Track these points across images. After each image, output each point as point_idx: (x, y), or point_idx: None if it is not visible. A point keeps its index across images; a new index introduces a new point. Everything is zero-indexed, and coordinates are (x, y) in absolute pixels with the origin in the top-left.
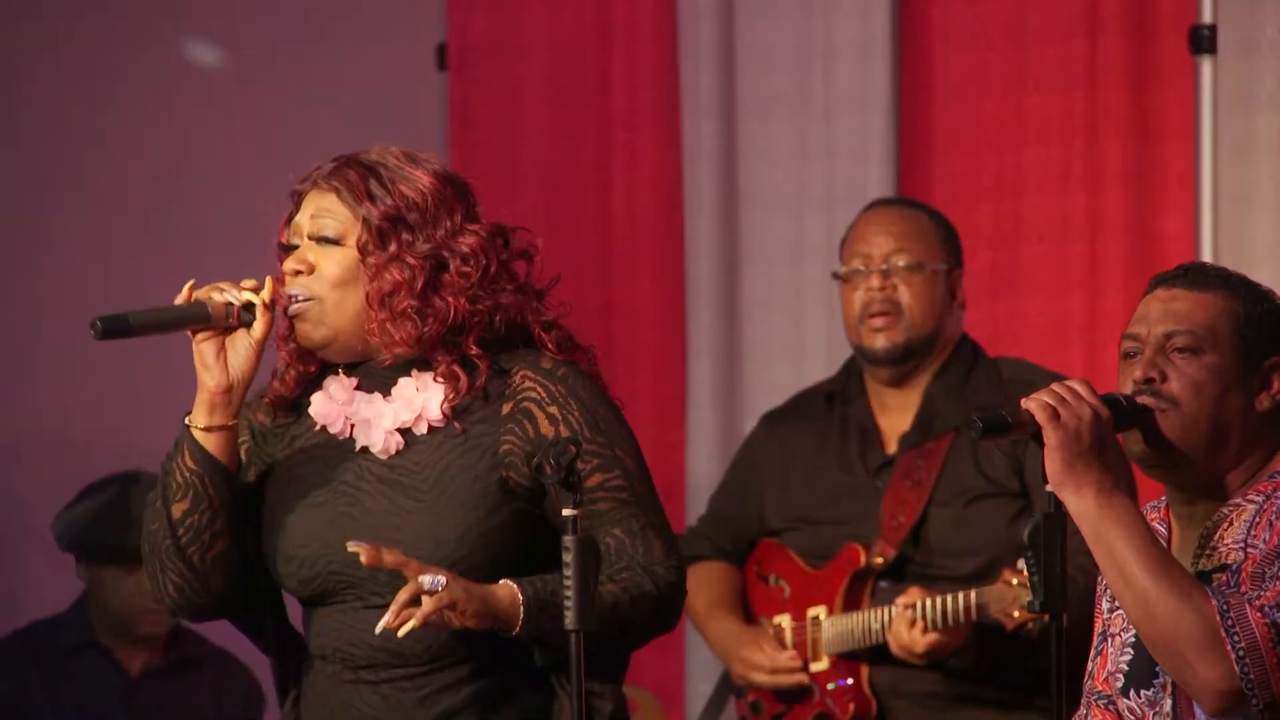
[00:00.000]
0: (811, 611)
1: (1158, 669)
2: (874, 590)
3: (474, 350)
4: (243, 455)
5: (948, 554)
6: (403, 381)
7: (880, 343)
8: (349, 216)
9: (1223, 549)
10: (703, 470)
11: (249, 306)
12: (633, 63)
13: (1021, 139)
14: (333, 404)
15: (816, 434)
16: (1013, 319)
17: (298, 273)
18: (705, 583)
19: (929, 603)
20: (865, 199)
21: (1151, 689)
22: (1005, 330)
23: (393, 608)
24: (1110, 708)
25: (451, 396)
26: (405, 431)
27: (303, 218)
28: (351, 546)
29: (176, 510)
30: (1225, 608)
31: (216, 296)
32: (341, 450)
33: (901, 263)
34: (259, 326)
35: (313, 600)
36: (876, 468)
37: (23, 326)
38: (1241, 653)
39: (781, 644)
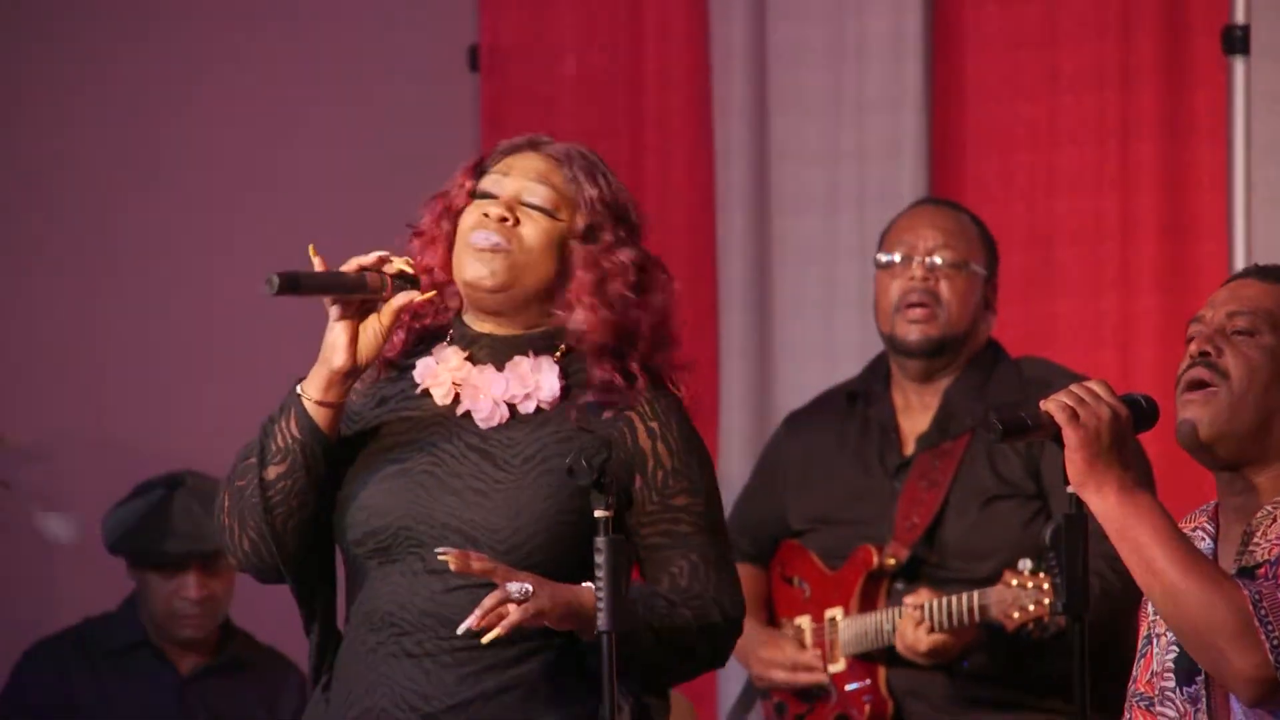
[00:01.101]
0: (829, 612)
1: (1198, 666)
2: (889, 591)
3: (635, 366)
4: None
5: (963, 556)
6: (517, 358)
7: (915, 334)
8: (569, 192)
9: (1265, 545)
10: (735, 471)
11: (403, 275)
12: (664, 63)
13: (1054, 139)
14: (440, 369)
15: (837, 434)
16: (1045, 320)
17: (502, 220)
18: None
19: (935, 603)
20: (897, 199)
21: (1193, 686)
22: (1038, 331)
23: (478, 611)
24: (1150, 709)
25: (605, 395)
26: (511, 407)
27: (512, 177)
28: (440, 555)
29: (271, 472)
30: (1258, 597)
31: (371, 265)
32: (440, 414)
33: (945, 258)
34: (388, 313)
35: (372, 557)
36: (894, 468)
37: (57, 325)
38: (1276, 641)
39: (801, 645)
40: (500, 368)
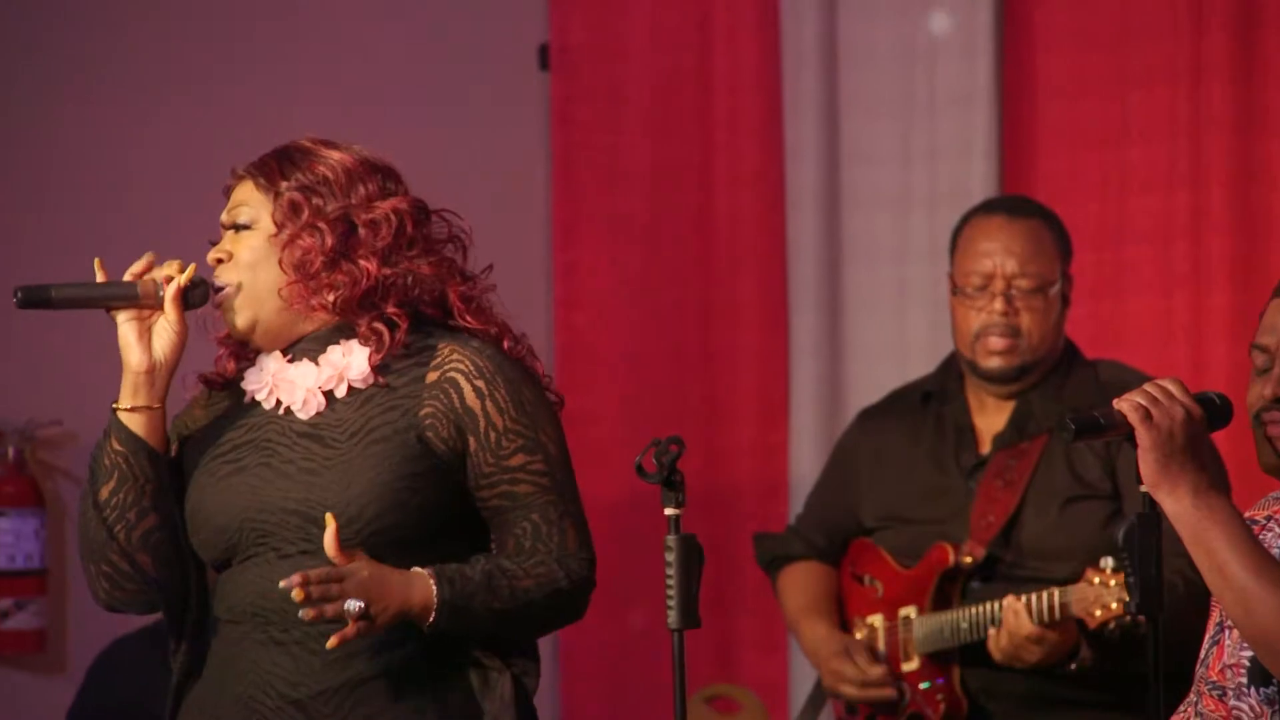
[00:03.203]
0: (903, 611)
1: None
2: (965, 590)
3: (392, 309)
4: (174, 442)
5: (1040, 555)
6: (330, 348)
7: (996, 363)
8: (262, 200)
9: None
10: (805, 471)
11: (197, 283)
12: (734, 62)
13: (1125, 137)
14: (263, 375)
15: (911, 432)
16: (1116, 319)
17: (219, 262)
18: (799, 584)
19: (1034, 596)
20: (968, 198)
21: (1271, 687)
22: (1108, 330)
23: (297, 576)
24: (1223, 699)
25: (377, 352)
26: (328, 394)
27: (225, 212)
28: (283, 584)
29: (104, 492)
30: None
31: (140, 271)
32: (265, 415)
33: (1024, 286)
34: (170, 309)
35: (228, 557)
36: (970, 467)
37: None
38: None
39: (874, 645)
40: (315, 361)
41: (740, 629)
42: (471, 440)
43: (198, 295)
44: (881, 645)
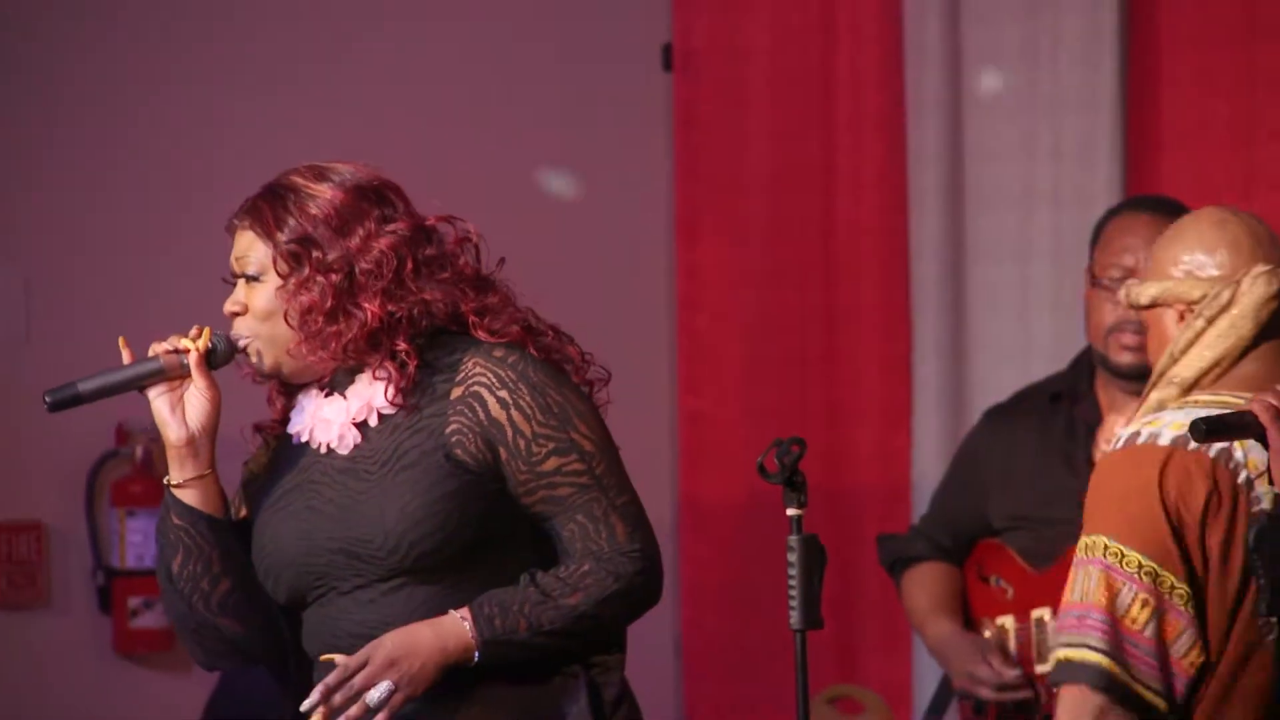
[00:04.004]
0: (1036, 613)
1: None
2: None
3: (402, 347)
4: (241, 498)
5: None
6: (358, 378)
7: (1128, 359)
8: (265, 249)
9: None
10: (928, 473)
11: (217, 343)
12: (856, 63)
13: (1252, 136)
14: (304, 415)
15: (1040, 432)
16: None
17: (235, 314)
18: (924, 584)
19: None
20: (1092, 198)
21: None
22: None
23: (316, 694)
24: None
25: (391, 390)
26: (362, 425)
27: (233, 259)
28: (304, 707)
29: (174, 566)
30: None
31: (162, 348)
32: (312, 455)
33: None
34: (198, 376)
35: (296, 603)
36: None
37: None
38: None
39: (1004, 646)
40: (345, 394)
41: (863, 630)
42: (502, 450)
43: (221, 355)
44: (1012, 646)
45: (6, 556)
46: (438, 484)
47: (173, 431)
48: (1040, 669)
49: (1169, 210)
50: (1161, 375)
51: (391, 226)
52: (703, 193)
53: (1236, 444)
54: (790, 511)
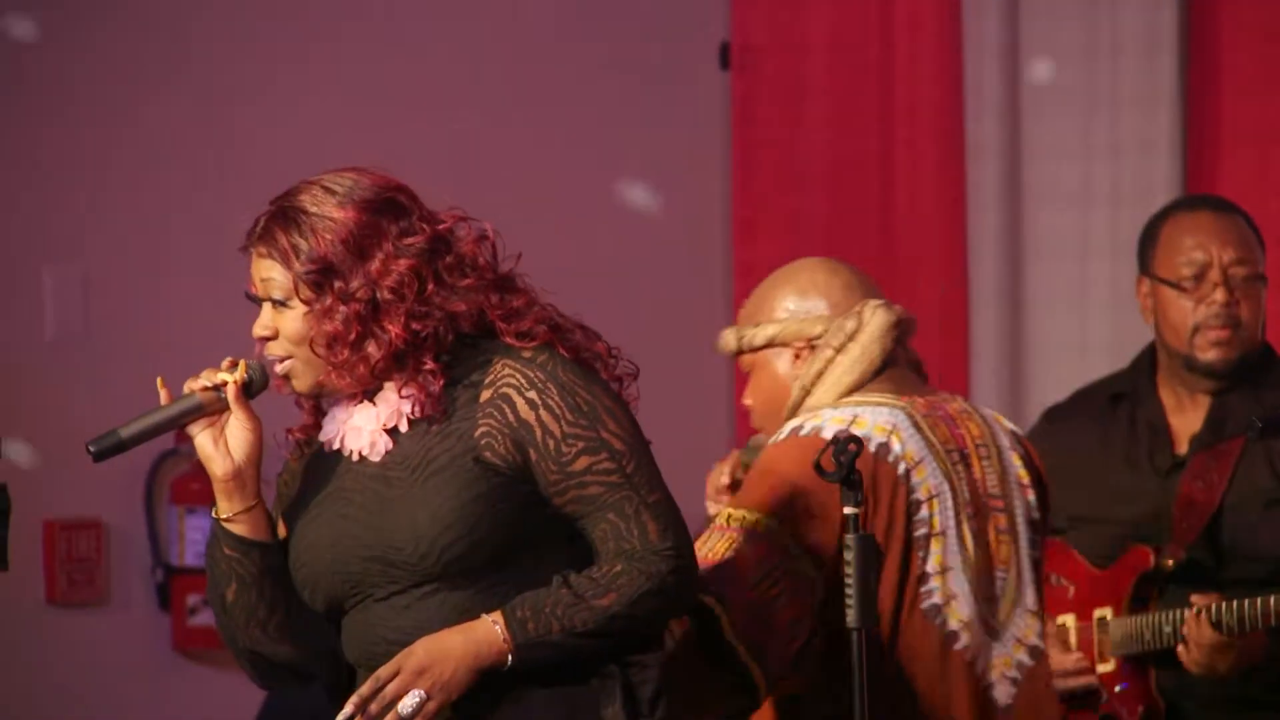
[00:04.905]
0: (1098, 612)
1: None
2: (1163, 593)
3: (428, 367)
4: (279, 515)
5: (1240, 558)
6: (387, 385)
7: (1215, 356)
8: (285, 275)
9: None
10: None
11: (254, 373)
12: (915, 59)
13: None
14: (334, 423)
15: (1101, 432)
16: None
17: (266, 338)
18: None
19: (1225, 605)
20: (1151, 196)
21: None
22: None
23: (350, 707)
24: None
25: (417, 410)
26: (393, 431)
27: (254, 280)
28: (340, 718)
29: (229, 595)
30: None
31: (198, 385)
32: (345, 463)
33: (1242, 274)
34: (236, 409)
35: (333, 612)
36: (1166, 468)
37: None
38: None
39: (1066, 644)
40: (374, 401)
41: None
42: (532, 452)
43: (257, 385)
44: (1074, 645)
45: (67, 554)
46: (467, 488)
47: (218, 466)
48: (1102, 669)
49: (1227, 206)
50: (798, 406)
51: (409, 241)
52: (760, 190)
53: (894, 438)
54: (847, 510)
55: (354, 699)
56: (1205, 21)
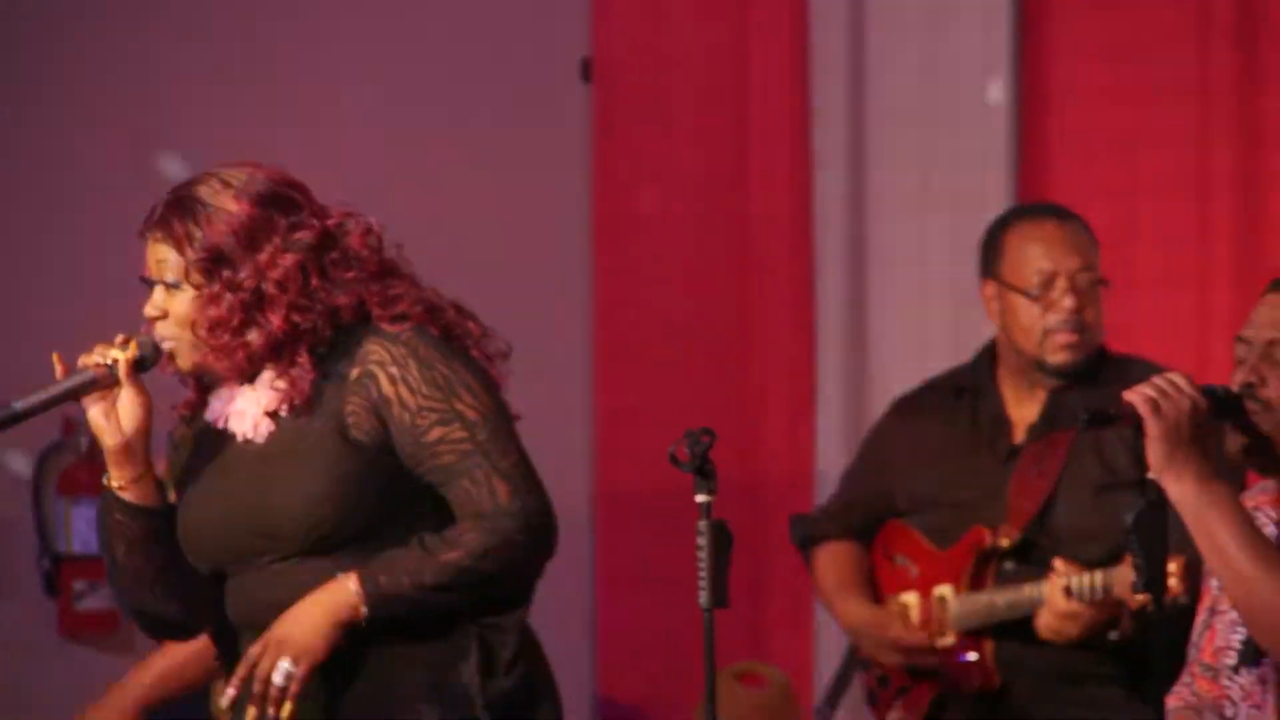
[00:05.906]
0: (938, 590)
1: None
2: (999, 572)
3: (302, 360)
4: (171, 481)
5: (1073, 540)
6: (266, 368)
7: (1064, 358)
8: (179, 259)
9: None
10: (831, 466)
11: (144, 349)
12: (766, 73)
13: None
14: (219, 402)
15: (946, 421)
16: (1126, 315)
17: (155, 319)
18: (834, 563)
19: (1075, 578)
20: (984, 205)
21: (1260, 667)
22: (1123, 326)
23: (228, 697)
24: (1215, 679)
25: (285, 408)
26: (274, 414)
27: (149, 264)
28: (224, 703)
29: (119, 556)
30: None
31: (92, 360)
32: (229, 442)
33: (1087, 280)
34: (127, 384)
35: (217, 576)
36: (1005, 456)
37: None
38: None
39: (908, 621)
40: (255, 384)
41: (770, 611)
42: (392, 426)
43: (149, 361)
44: (916, 621)
45: None
46: (337, 464)
47: (109, 437)
48: (942, 643)
49: (1067, 213)
50: None
51: (298, 236)
52: (620, 198)
53: None
54: (699, 498)
55: (234, 681)
56: (1037, 40)
